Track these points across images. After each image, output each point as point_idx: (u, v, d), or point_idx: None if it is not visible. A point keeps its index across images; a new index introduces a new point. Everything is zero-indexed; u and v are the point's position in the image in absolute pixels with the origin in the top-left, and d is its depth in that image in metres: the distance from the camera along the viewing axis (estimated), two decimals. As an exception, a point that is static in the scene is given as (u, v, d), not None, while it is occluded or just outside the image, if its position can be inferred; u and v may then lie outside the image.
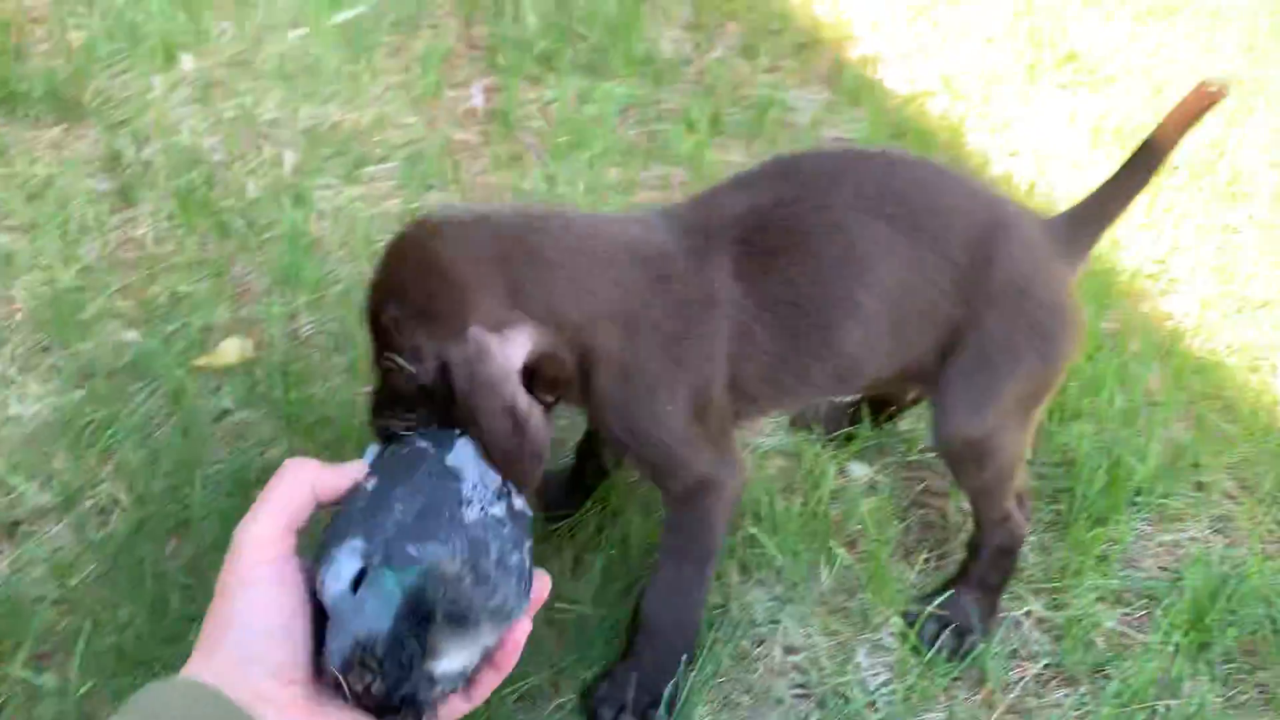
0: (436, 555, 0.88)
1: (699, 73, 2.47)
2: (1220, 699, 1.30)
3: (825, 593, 1.39)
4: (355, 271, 1.82)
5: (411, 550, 0.88)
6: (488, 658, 0.92)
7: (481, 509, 0.95)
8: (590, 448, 1.42)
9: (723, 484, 1.20)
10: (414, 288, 1.01)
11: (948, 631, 1.31)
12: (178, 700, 0.76)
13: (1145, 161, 1.23)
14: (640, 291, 1.12)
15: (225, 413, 1.58)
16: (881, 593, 1.37)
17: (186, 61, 2.36)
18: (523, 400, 1.01)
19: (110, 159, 2.03)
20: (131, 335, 1.69)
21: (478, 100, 2.34)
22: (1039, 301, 1.18)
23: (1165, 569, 1.46)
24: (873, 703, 1.27)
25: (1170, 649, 1.32)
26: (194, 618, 1.29)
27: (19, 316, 1.70)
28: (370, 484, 0.95)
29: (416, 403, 1.03)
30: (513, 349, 1.01)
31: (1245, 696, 1.31)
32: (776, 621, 1.35)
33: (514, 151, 2.17)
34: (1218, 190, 2.17)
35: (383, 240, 1.90)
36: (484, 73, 2.42)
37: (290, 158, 2.12)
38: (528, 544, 0.98)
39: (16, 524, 1.40)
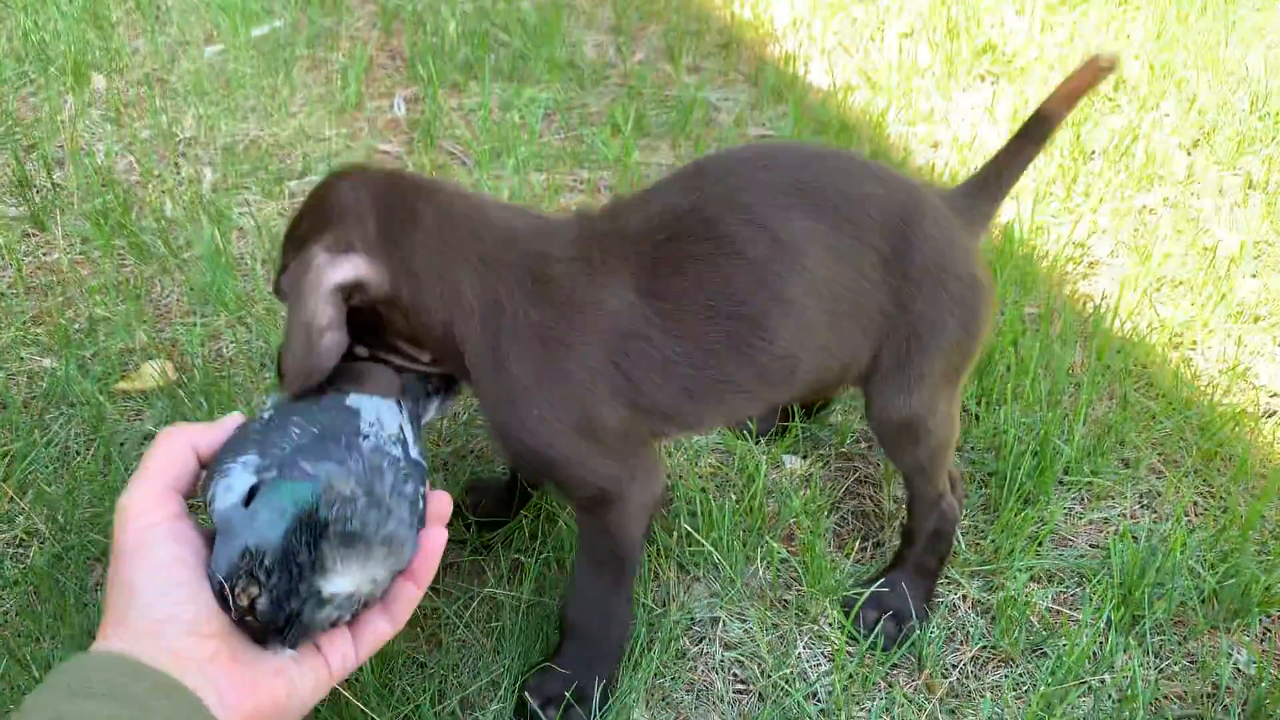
0: (331, 474, 0.88)
1: (622, 75, 2.47)
2: (1153, 670, 1.32)
3: (763, 587, 1.39)
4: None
5: (307, 467, 0.89)
6: (392, 580, 0.93)
7: (377, 446, 0.96)
8: None
9: (625, 497, 1.15)
10: (300, 218, 1.09)
11: (885, 618, 1.32)
12: (97, 674, 0.73)
13: (1037, 131, 1.26)
14: (509, 285, 1.09)
15: (148, 437, 1.54)
16: (818, 584, 1.38)
17: (98, 81, 2.31)
18: (323, 320, 1.02)
19: (20, 183, 1.97)
20: (48, 362, 1.64)
21: (400, 110, 2.32)
22: (957, 276, 1.19)
23: (1095, 546, 1.48)
24: (814, 693, 1.27)
25: (1102, 624, 1.34)
26: (119, 648, 1.26)
27: (-73, 348, 1.65)
28: (265, 415, 0.98)
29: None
30: (335, 270, 1.03)
31: (1177, 666, 1.33)
32: (715, 618, 1.35)
33: (438, 161, 2.15)
34: (1134, 174, 2.22)
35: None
36: (405, 83, 2.41)
37: (209, 175, 2.08)
38: (422, 488, 0.99)
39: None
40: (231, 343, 1.70)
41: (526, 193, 2.04)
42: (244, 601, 0.82)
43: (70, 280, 1.80)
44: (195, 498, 0.93)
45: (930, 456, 1.29)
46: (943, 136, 2.34)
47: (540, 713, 1.19)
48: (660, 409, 1.14)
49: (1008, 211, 2.08)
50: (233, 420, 0.98)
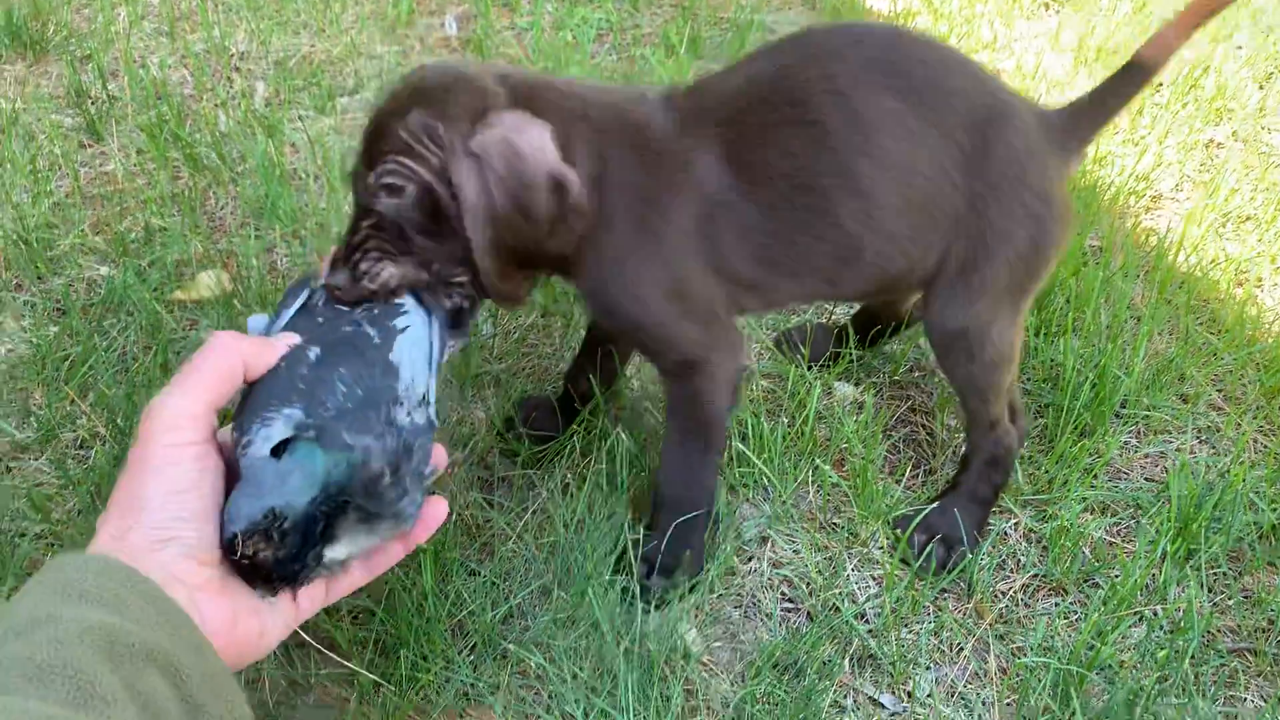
0: (368, 450, 0.89)
1: (677, -4, 2.43)
2: (1206, 603, 1.31)
3: (813, 510, 1.39)
4: (331, 203, 1.79)
5: (348, 438, 0.88)
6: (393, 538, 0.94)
7: (409, 413, 0.95)
8: (576, 370, 1.41)
9: (712, 363, 1.19)
10: (441, 90, 1.02)
11: (936, 542, 1.32)
12: (92, 575, 0.72)
13: (1146, 64, 1.22)
14: (613, 153, 1.11)
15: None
16: (869, 508, 1.37)
17: (151, -7, 2.30)
18: (561, 165, 1.03)
19: (76, 94, 1.98)
20: (105, 270, 1.66)
21: (451, 29, 2.29)
22: (1034, 190, 1.17)
23: (1151, 479, 1.46)
24: (862, 614, 1.28)
25: (1157, 556, 1.33)
26: (180, 547, 1.29)
27: (-11, 253, 1.67)
28: (313, 353, 0.94)
29: (406, 234, 1.03)
30: (541, 129, 1.03)
31: (1231, 600, 1.32)
32: (765, 538, 1.35)
33: (490, 80, 2.13)
34: (1202, 106, 2.15)
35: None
36: (457, 1, 2.37)
37: (261, 90, 2.07)
38: (432, 459, 0.99)
39: (-4, 460, 1.39)
40: (285, 255, 1.71)
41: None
42: (249, 551, 0.84)
43: (127, 190, 1.81)
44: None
45: (984, 373, 1.26)
46: (1005, 65, 2.28)
47: (644, 581, 1.25)
48: (741, 277, 1.17)
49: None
50: (284, 342, 0.93)
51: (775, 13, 2.40)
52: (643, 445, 1.41)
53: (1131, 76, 1.23)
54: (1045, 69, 2.23)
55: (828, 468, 1.40)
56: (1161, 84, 2.21)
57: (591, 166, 1.09)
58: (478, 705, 1.17)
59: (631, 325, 1.17)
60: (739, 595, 1.30)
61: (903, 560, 1.32)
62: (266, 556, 0.84)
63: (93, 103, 1.98)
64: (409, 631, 1.18)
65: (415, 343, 1.01)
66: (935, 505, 1.34)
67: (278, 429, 0.87)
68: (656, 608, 1.24)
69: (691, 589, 1.27)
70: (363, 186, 1.04)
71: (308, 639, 1.22)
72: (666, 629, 1.22)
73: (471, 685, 1.18)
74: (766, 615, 1.28)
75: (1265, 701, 1.22)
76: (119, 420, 1.41)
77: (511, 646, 1.20)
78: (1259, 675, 1.25)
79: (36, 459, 1.39)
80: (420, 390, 0.98)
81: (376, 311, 1.03)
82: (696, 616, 1.27)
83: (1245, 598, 1.33)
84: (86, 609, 0.69)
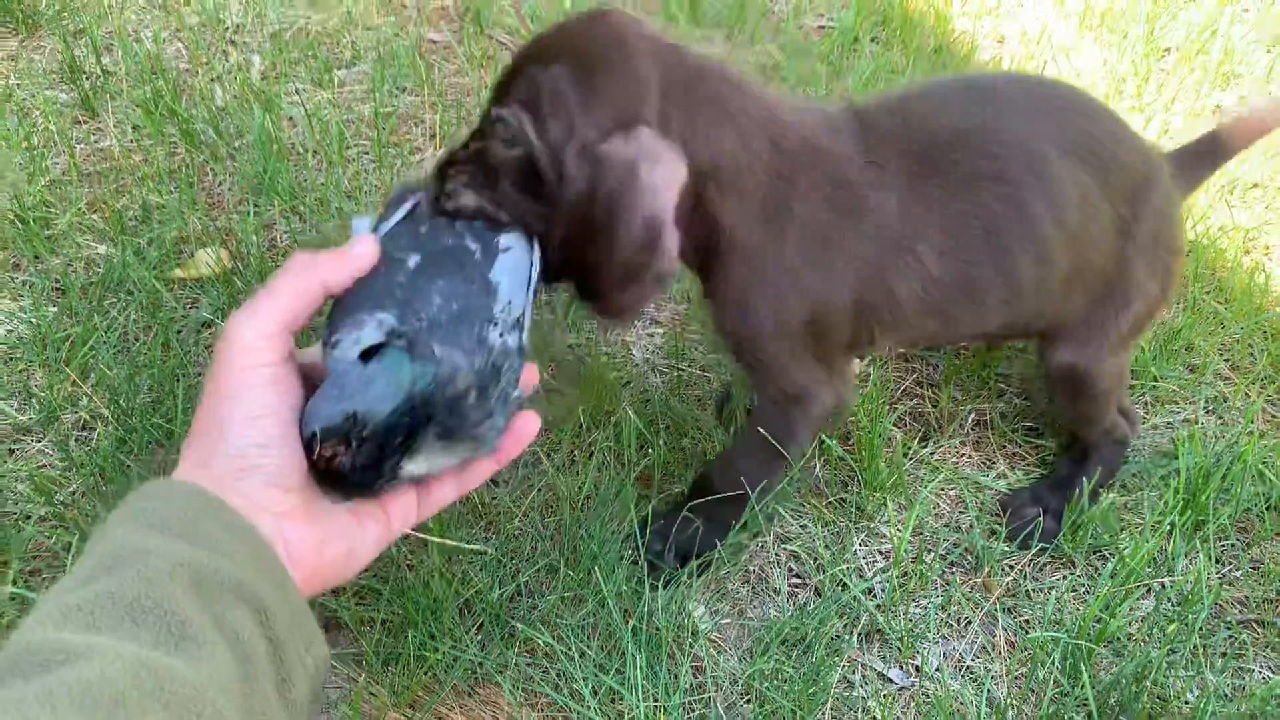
0: (456, 366, 0.86)
1: (677, -36, 2.39)
2: (1215, 575, 1.31)
3: (820, 484, 1.38)
4: (330, 178, 1.77)
5: (437, 350, 0.86)
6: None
7: (501, 334, 0.92)
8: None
9: (816, 401, 1.19)
10: (596, 61, 0.92)
11: (1047, 515, 1.34)
12: (178, 507, 0.72)
13: (1224, 143, 1.33)
14: (795, 181, 1.05)
15: (206, 324, 1.54)
16: (875, 483, 1.36)
17: (143, -34, 2.27)
18: (669, 218, 0.93)
19: (70, 70, 1.95)
20: (104, 249, 1.64)
21: (449, -2, 2.26)
22: (1169, 246, 1.24)
23: (1159, 451, 1.46)
24: (870, 589, 1.27)
25: (1165, 528, 1.33)
26: (185, 529, 1.28)
27: (-15, 232, 1.65)
28: (412, 261, 0.91)
29: (499, 178, 0.96)
30: (677, 167, 0.95)
31: (1239, 572, 1.32)
32: (771, 514, 1.34)
33: (488, 50, 2.11)
34: (1209, 71, 2.13)
35: (357, 145, 1.86)
36: (454, -31, 2.34)
37: (257, 63, 2.05)
38: (521, 382, 0.94)
39: (-3, 442, 1.38)
40: (285, 232, 1.69)
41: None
42: (327, 454, 0.82)
43: (123, 167, 1.79)
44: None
45: (1094, 405, 1.31)
46: (1009, 31, 2.25)
47: (656, 556, 1.26)
48: (895, 319, 1.16)
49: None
50: (363, 251, 0.87)
51: (776, -21, 2.37)
52: (649, 421, 1.40)
53: (1208, 152, 1.33)
54: (1050, 33, 2.21)
55: (833, 442, 1.39)
56: (1168, 49, 2.18)
57: (767, 188, 1.05)
58: (486, 684, 1.17)
59: (747, 351, 1.14)
60: (746, 571, 1.30)
61: (1008, 536, 1.33)
62: (343, 461, 0.83)
63: (87, 78, 1.95)
64: (416, 611, 1.18)
65: (516, 264, 0.97)
66: (1044, 482, 1.40)
67: (368, 333, 0.85)
68: (664, 585, 1.24)
69: (700, 570, 1.27)
70: (486, 115, 0.97)
71: (315, 619, 1.21)
72: (674, 606, 1.22)
73: (479, 664, 1.18)
74: (774, 591, 1.27)
75: (1274, 673, 1.22)
76: (121, 401, 1.40)
77: (519, 625, 1.20)
78: (1267, 647, 1.25)
79: (38, 441, 1.38)
80: (516, 313, 0.94)
81: (478, 225, 0.97)
82: (704, 594, 1.26)
83: (1254, 569, 1.33)
84: (174, 543, 0.69)
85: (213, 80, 1.98)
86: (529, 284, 0.98)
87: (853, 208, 1.10)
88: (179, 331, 1.52)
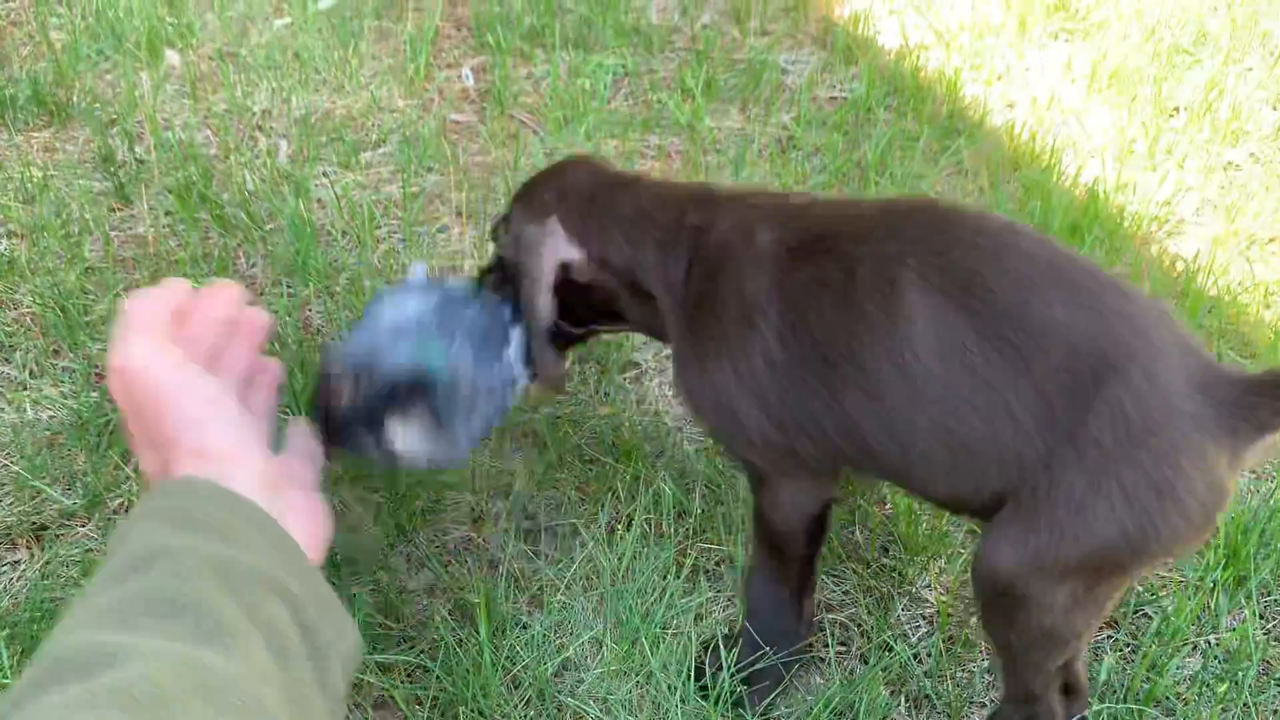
0: (464, 366, 1.05)
1: (690, 39, 2.45)
2: (1260, 631, 1.30)
3: (860, 549, 1.39)
4: (360, 257, 1.81)
5: (457, 343, 1.06)
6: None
7: (506, 369, 1.13)
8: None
9: (777, 485, 1.16)
10: (533, 189, 1.26)
11: None
12: (199, 502, 0.73)
13: None
14: (687, 272, 1.16)
15: (242, 406, 1.56)
16: (914, 545, 1.37)
17: (172, 57, 2.33)
18: (547, 285, 1.19)
19: (103, 159, 2.00)
20: (141, 333, 1.67)
21: (468, 80, 2.32)
22: (1149, 470, 0.95)
23: (1194, 507, 1.46)
24: (916, 655, 1.27)
25: (1208, 585, 1.33)
26: (230, 610, 1.29)
27: (28, 321, 1.68)
28: (452, 293, 1.14)
29: (504, 273, 1.26)
30: (567, 249, 1.20)
31: (1283, 627, 1.32)
32: (813, 581, 1.35)
33: (509, 129, 2.15)
34: (1218, 129, 2.17)
35: (386, 225, 1.90)
36: (473, 52, 2.40)
37: (285, 147, 2.10)
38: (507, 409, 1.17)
39: (43, 528, 1.39)
40: (319, 312, 1.72)
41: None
42: (336, 386, 0.96)
43: (158, 253, 1.82)
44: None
45: (1026, 646, 1.05)
46: (1019, 97, 2.30)
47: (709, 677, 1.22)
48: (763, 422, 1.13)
49: (1091, 170, 2.04)
50: (221, 296, 0.91)
51: (788, 52, 2.43)
52: (687, 490, 1.41)
53: None
54: (1059, 98, 2.25)
55: (873, 508, 1.40)
56: (1176, 109, 2.23)
57: (669, 280, 1.17)
58: (536, 760, 1.17)
59: (708, 426, 1.21)
60: (791, 639, 1.29)
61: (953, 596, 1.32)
62: (345, 408, 0.98)
63: (120, 166, 2.00)
64: (464, 688, 1.18)
65: (519, 335, 1.19)
66: None
67: (419, 275, 1.11)
68: (760, 718, 1.22)
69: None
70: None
71: (361, 700, 1.22)
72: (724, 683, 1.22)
73: (529, 741, 1.17)
74: (820, 660, 1.27)
75: (1328, 730, 1.21)
76: (163, 484, 1.42)
77: (568, 699, 1.20)
78: (1319, 703, 1.24)
79: (84, 525, 1.39)
80: (516, 371, 1.15)
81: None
82: (750, 662, 1.26)
83: (1299, 624, 1.32)
84: (199, 538, 0.70)
85: (242, 165, 2.03)
86: (523, 352, 1.19)
87: (735, 301, 1.12)
88: (218, 413, 1.54)
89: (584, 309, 1.24)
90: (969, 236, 1.03)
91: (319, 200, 1.96)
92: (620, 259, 1.20)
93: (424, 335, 1.02)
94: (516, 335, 1.17)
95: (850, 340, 1.04)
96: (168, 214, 1.92)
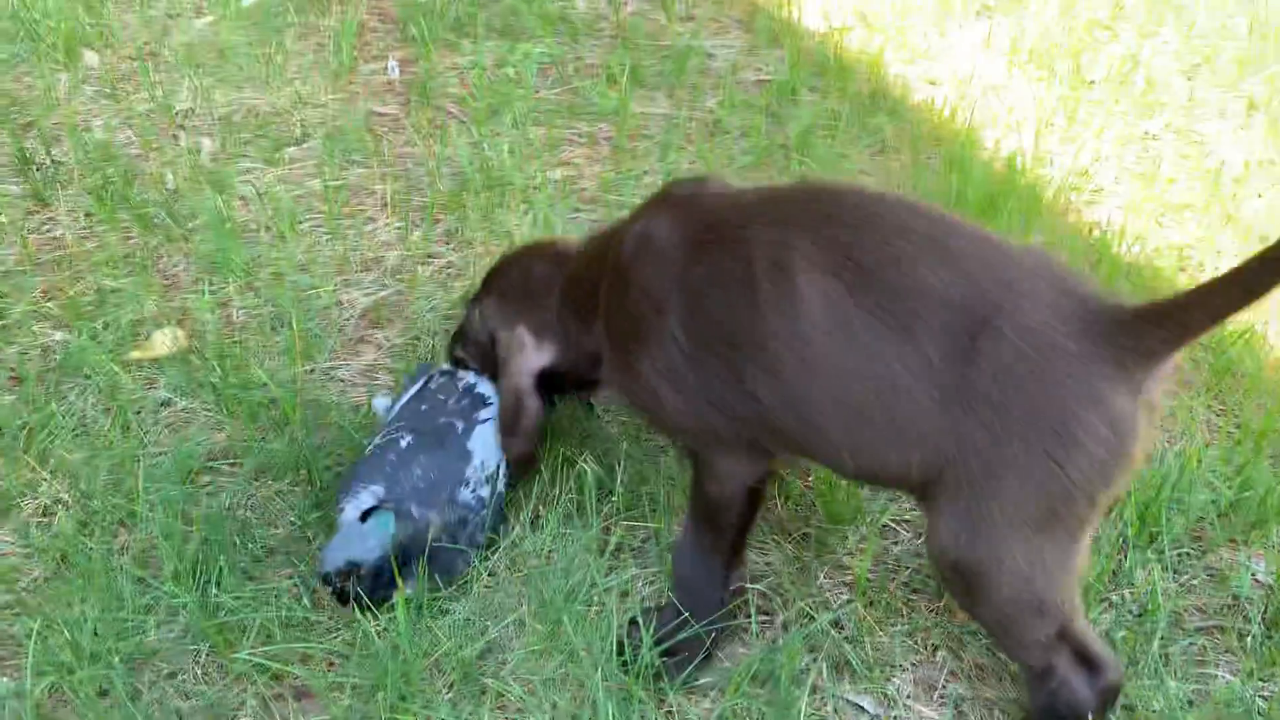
0: (429, 521, 1.27)
1: (615, 27, 2.45)
2: (1172, 584, 1.33)
3: (784, 522, 1.40)
4: (284, 254, 1.79)
5: (415, 511, 1.27)
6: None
7: (473, 489, 1.31)
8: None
9: (711, 461, 1.19)
10: (508, 280, 1.41)
11: None
12: None
13: (1259, 274, 0.95)
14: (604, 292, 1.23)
15: (166, 403, 1.55)
16: (834, 515, 1.38)
17: (91, 57, 2.30)
18: (527, 390, 1.34)
19: (20, 161, 1.97)
20: (60, 335, 1.65)
21: (394, 73, 2.30)
22: (1040, 410, 0.97)
23: (1110, 467, 1.48)
24: (837, 621, 1.29)
25: (1120, 542, 1.35)
26: (149, 608, 1.28)
27: (-60, 326, 1.66)
28: (404, 440, 1.33)
29: (475, 343, 1.44)
30: (539, 356, 1.34)
31: (1196, 580, 1.35)
32: (737, 554, 1.36)
33: (436, 120, 2.15)
34: (1135, 101, 2.20)
35: (310, 219, 1.89)
36: (398, 45, 2.39)
37: (208, 145, 2.08)
38: (493, 520, 1.34)
39: (-43, 534, 1.37)
40: (241, 308, 1.71)
41: (527, 148, 2.04)
42: (338, 585, 1.22)
43: (77, 254, 1.80)
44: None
45: (1002, 618, 1.06)
46: (941, 74, 2.32)
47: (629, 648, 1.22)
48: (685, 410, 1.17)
49: (1011, 143, 2.07)
50: None
51: (714, 37, 2.44)
52: (610, 469, 1.41)
53: (1254, 274, 0.95)
54: (980, 74, 2.28)
55: (794, 480, 1.41)
56: (1093, 82, 2.26)
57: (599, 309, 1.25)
58: (460, 742, 1.17)
59: (644, 417, 1.30)
60: (714, 612, 1.30)
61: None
62: (349, 589, 1.23)
63: (37, 169, 1.97)
64: (384, 675, 1.18)
65: (492, 429, 1.37)
66: None
67: (364, 500, 1.26)
68: (682, 688, 1.22)
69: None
70: (468, 308, 1.47)
71: (283, 690, 1.21)
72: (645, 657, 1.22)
73: (452, 722, 1.18)
74: (744, 630, 1.28)
75: (1234, 676, 1.24)
76: (81, 484, 1.41)
77: (490, 681, 1.20)
78: (1227, 651, 1.27)
79: (-1, 530, 1.38)
80: (490, 469, 1.34)
81: (466, 404, 1.39)
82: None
83: (1209, 576, 1.35)
84: None
85: (164, 165, 2.01)
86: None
87: (644, 307, 1.18)
88: (138, 412, 1.53)
89: (569, 384, 1.39)
90: (845, 214, 1.06)
91: (242, 197, 1.95)
92: (581, 335, 1.30)
93: (383, 523, 1.25)
94: (482, 435, 1.36)
95: (749, 323, 1.08)
96: (87, 215, 1.90)
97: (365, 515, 1.26)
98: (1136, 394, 0.97)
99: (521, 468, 1.38)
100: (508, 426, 1.35)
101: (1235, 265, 0.96)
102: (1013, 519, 0.99)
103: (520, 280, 1.38)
